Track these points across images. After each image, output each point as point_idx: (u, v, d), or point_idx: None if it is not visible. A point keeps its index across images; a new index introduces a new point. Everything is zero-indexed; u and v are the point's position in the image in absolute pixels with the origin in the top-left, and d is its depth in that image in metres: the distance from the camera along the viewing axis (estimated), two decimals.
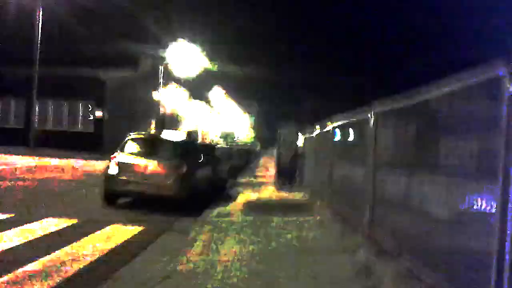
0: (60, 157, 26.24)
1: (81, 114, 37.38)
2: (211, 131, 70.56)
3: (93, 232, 7.61)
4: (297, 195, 13.46)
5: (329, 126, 9.40)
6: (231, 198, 12.56)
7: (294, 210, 10.45)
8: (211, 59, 48.41)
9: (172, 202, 10.51)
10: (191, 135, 17.75)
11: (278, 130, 16.06)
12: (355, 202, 6.83)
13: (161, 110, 43.10)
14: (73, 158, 25.94)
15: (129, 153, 10.65)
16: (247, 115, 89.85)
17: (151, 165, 10.31)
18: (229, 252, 6.37)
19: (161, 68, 42.11)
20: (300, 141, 16.64)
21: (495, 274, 2.72)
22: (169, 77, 44.88)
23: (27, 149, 28.48)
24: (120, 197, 10.72)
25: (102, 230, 7.86)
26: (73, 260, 5.96)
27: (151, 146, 10.96)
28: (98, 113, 36.32)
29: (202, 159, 12.73)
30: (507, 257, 2.66)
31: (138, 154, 10.62)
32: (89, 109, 36.66)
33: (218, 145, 19.59)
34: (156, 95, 41.37)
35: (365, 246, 5.55)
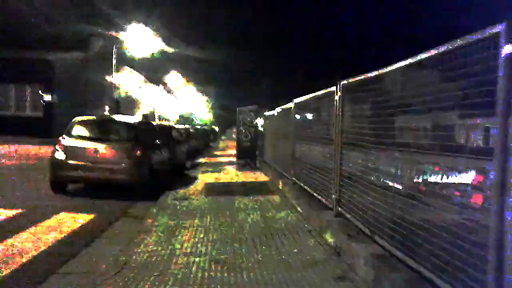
0: (6, 142, 24.76)
1: (29, 98, 35.53)
2: (169, 114, 69.08)
3: (38, 222, 6.92)
4: (259, 175, 13.12)
5: (291, 103, 9.03)
6: (190, 180, 12.07)
7: (257, 190, 10.10)
8: (167, 41, 46.92)
9: (126, 187, 9.90)
10: (148, 117, 17.02)
11: (238, 109, 15.57)
12: (320, 181, 6.51)
13: (116, 93, 41.50)
14: (21, 143, 24.54)
15: (78, 136, 9.88)
16: (205, 97, 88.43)
17: (103, 148, 9.61)
18: (189, 238, 5.92)
19: (114, 49, 40.32)
20: (260, 121, 16.27)
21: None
22: (123, 60, 43.14)
23: None
24: (68, 184, 9.98)
25: (49, 219, 7.16)
26: (14, 254, 5.33)
27: (102, 129, 10.22)
28: (47, 97, 34.57)
29: (158, 141, 12.11)
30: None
31: (87, 137, 9.87)
32: (38, 93, 34.83)
33: (176, 127, 18.87)
34: (110, 78, 39.73)
35: (333, 226, 5.23)
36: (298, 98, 8.41)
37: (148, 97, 57.03)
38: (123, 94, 46.63)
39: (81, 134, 9.94)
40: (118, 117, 10.37)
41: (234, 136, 48.55)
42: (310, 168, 7.28)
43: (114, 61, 39.10)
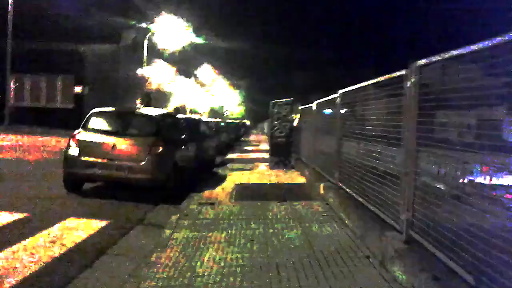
0: (36, 134, 24.41)
1: (60, 90, 35.33)
2: (201, 108, 68.47)
3: (39, 230, 5.87)
4: (295, 176, 11.81)
5: (337, 94, 7.67)
6: (219, 180, 10.89)
7: (294, 194, 8.80)
8: (198, 33, 45.96)
9: (147, 187, 8.85)
10: (179, 111, 16.00)
11: (271, 102, 14.24)
12: (378, 191, 5.16)
13: (147, 86, 40.82)
14: (51, 135, 24.15)
15: (94, 130, 8.86)
16: (236, 91, 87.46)
17: (121, 144, 8.55)
18: (212, 260, 4.70)
19: (146, 42, 39.49)
20: (295, 115, 14.91)
21: None
22: (154, 52, 42.46)
23: (1, 126, 26.56)
24: (84, 182, 8.98)
25: (52, 226, 6.11)
26: (7, 269, 4.30)
27: (121, 122, 9.15)
28: (78, 89, 34.25)
29: (184, 135, 10.98)
30: None
31: (105, 131, 8.83)
32: (69, 85, 34.58)
33: (205, 120, 17.76)
34: (141, 71, 39.02)
35: (406, 259, 3.88)
36: (346, 88, 7.04)
37: (180, 91, 56.45)
38: (154, 87, 46.12)
39: (98, 128, 8.93)
40: (139, 110, 9.26)
41: (265, 130, 47.31)
42: (362, 173, 5.93)
43: (145, 54, 38.36)
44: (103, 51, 37.90)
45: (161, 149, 8.62)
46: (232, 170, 13.26)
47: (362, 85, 6.09)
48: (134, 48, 39.05)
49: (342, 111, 7.27)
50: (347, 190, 6.82)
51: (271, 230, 5.99)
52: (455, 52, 3.37)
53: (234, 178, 11.24)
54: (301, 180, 10.99)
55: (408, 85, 4.18)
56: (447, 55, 3.48)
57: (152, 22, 39.70)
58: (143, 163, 8.42)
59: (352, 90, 6.70)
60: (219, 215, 6.94)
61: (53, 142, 21.05)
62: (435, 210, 3.66)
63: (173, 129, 10.16)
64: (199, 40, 43.08)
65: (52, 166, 11.38)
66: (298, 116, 14.50)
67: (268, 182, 10.60)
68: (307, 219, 6.64)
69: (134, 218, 7.06)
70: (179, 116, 12.75)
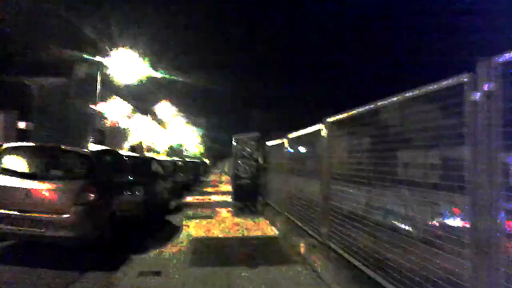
0: None
1: (3, 126, 32.33)
2: (159, 146, 65.82)
3: None
4: (264, 225, 9.89)
5: (320, 125, 5.96)
6: (172, 233, 8.82)
7: (266, 255, 6.86)
8: (156, 68, 44.15)
9: (73, 246, 6.72)
10: (135, 149, 13.96)
11: (234, 138, 12.45)
12: (408, 264, 3.37)
13: (100, 123, 38.20)
14: None
15: (5, 171, 6.72)
16: (195, 128, 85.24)
17: (39, 190, 6.45)
18: None
19: (99, 76, 37.15)
20: (261, 153, 13.14)
21: None
22: (110, 88, 40.15)
23: None
24: None
25: None
26: None
27: (42, 161, 7.06)
28: (22, 124, 31.42)
29: (129, 177, 8.95)
30: None
31: (19, 173, 6.70)
32: (12, 120, 31.70)
33: (158, 159, 15.67)
34: (94, 107, 36.46)
35: None
36: (337, 115, 5.33)
37: (136, 128, 53.95)
38: (109, 123, 43.53)
39: (10, 168, 6.78)
40: (66, 146, 7.19)
41: (226, 169, 45.21)
42: (372, 231, 4.15)
43: (98, 88, 35.97)
44: (53, 85, 35.35)
45: (92, 196, 6.56)
46: (189, 218, 11.20)
47: (380, 104, 4.20)
48: (87, 83, 36.76)
49: (332, 144, 5.52)
50: (343, 253, 4.99)
51: None
52: None
53: (190, 230, 9.19)
54: (273, 231, 9.07)
55: (477, 97, 2.49)
56: None
57: (107, 56, 37.62)
58: (66, 216, 6.32)
59: (353, 114, 4.94)
60: None
61: None
62: None
63: (113, 170, 8.10)
64: (157, 75, 41.13)
65: None
66: (266, 153, 12.74)
67: (233, 235, 8.61)
68: None
69: None
70: (125, 154, 10.68)
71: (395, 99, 3.66)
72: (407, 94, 3.43)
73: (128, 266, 6.05)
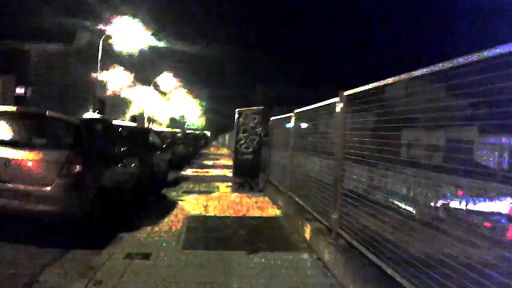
0: None
1: (0, 90, 31.59)
2: (160, 117, 65.24)
3: None
4: (265, 204, 9.31)
5: (336, 98, 5.28)
6: (166, 209, 8.26)
7: (267, 237, 6.28)
8: (159, 36, 42.95)
9: (55, 222, 6.17)
10: (136, 120, 13.31)
11: (237, 111, 11.77)
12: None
13: (101, 92, 37.38)
14: None
15: None
16: (197, 101, 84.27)
17: (20, 159, 5.85)
18: None
19: (100, 43, 36.10)
20: (264, 128, 12.45)
21: None
22: (111, 57, 39.22)
23: None
24: None
25: None
26: None
27: (25, 128, 6.42)
28: (20, 90, 30.73)
29: (122, 148, 8.33)
30: None
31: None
32: (9, 85, 30.96)
33: (156, 130, 15.01)
34: (95, 75, 35.59)
35: None
36: (356, 89, 4.63)
37: (138, 98, 53.16)
38: (110, 93, 42.81)
39: None
40: (52, 112, 6.53)
41: (227, 143, 44.50)
42: (394, 222, 3.55)
43: (99, 56, 35.04)
44: (52, 52, 34.60)
45: (79, 168, 5.95)
46: (186, 192, 10.64)
47: (414, 73, 3.42)
48: (88, 51, 35.80)
49: (348, 120, 4.85)
50: (355, 243, 4.40)
51: None
52: None
53: (186, 206, 8.63)
54: (274, 211, 8.50)
55: None
56: None
57: (109, 24, 36.50)
58: (49, 188, 5.74)
59: (376, 87, 4.21)
60: (156, 277, 4.35)
61: None
62: None
63: (104, 140, 7.47)
64: (159, 44, 40.01)
65: None
66: (270, 127, 12.08)
67: (232, 214, 8.03)
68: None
69: (20, 280, 4.40)
70: (116, 123, 10.01)
71: (438, 67, 2.97)
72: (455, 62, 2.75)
73: (114, 246, 5.49)
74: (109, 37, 35.46)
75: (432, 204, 3.29)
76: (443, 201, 3.42)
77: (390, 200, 4.00)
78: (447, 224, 3.11)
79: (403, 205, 3.75)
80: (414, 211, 3.47)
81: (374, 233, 4.15)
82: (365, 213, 4.38)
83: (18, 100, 30.15)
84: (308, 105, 7.41)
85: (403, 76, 3.37)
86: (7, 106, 6.86)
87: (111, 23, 35.61)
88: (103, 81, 35.66)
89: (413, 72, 3.24)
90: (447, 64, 2.85)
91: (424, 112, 3.32)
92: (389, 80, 3.67)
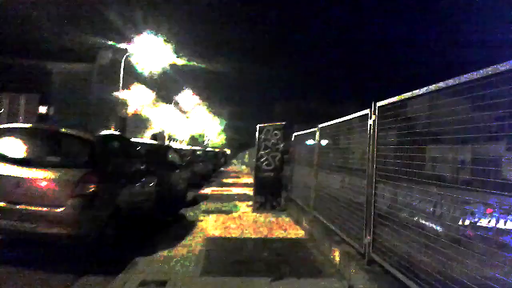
0: None
1: (23, 109, 32.06)
2: (180, 135, 65.44)
3: None
4: (288, 224, 8.85)
5: (362, 112, 4.87)
6: (185, 229, 7.88)
7: (291, 262, 5.83)
8: (180, 54, 43.21)
9: (69, 245, 5.85)
10: (157, 137, 13.13)
11: (258, 127, 11.41)
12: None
13: (123, 111, 37.56)
14: None
15: None
16: (218, 118, 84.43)
17: (31, 179, 5.58)
18: None
19: (122, 61, 36.40)
20: (286, 144, 12.04)
21: None
22: (132, 75, 39.51)
23: None
24: None
25: None
26: None
27: (38, 146, 6.18)
28: (42, 109, 31.08)
29: (140, 166, 8.03)
30: None
31: (9, 159, 5.83)
32: (33, 103, 31.40)
33: (175, 147, 14.77)
34: (117, 94, 35.86)
35: None
36: (390, 99, 4.20)
37: (159, 116, 53.46)
38: (131, 111, 43.01)
39: (2, 154, 5.92)
40: (66, 129, 6.28)
41: (246, 160, 44.15)
42: (442, 247, 3.09)
43: (121, 75, 35.33)
44: (75, 71, 34.98)
45: (93, 187, 5.65)
46: (205, 212, 10.25)
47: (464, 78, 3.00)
48: (110, 69, 36.17)
49: (382, 135, 4.41)
50: (392, 269, 3.93)
51: None
52: None
53: (206, 227, 8.23)
54: (298, 232, 8.03)
55: None
56: None
57: (131, 42, 36.85)
58: (61, 209, 5.43)
59: (416, 96, 3.78)
60: None
61: None
62: None
63: (121, 158, 7.18)
64: (180, 61, 40.14)
65: None
66: (293, 144, 11.67)
67: (253, 236, 7.60)
68: None
69: None
70: (134, 140, 9.76)
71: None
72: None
73: (129, 272, 5.12)
74: (130, 55, 35.82)
75: (496, 227, 2.83)
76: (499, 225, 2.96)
77: (432, 225, 3.54)
78: None
79: (453, 231, 3.28)
80: (470, 235, 3.01)
81: (414, 259, 3.69)
82: (405, 237, 3.91)
83: (40, 119, 30.38)
84: (329, 121, 7.03)
85: (450, 82, 2.94)
86: (21, 123, 6.67)
87: (133, 41, 35.99)
88: (125, 100, 35.86)
89: (472, 75, 2.80)
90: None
91: (476, 122, 2.88)
92: (432, 87, 3.25)
